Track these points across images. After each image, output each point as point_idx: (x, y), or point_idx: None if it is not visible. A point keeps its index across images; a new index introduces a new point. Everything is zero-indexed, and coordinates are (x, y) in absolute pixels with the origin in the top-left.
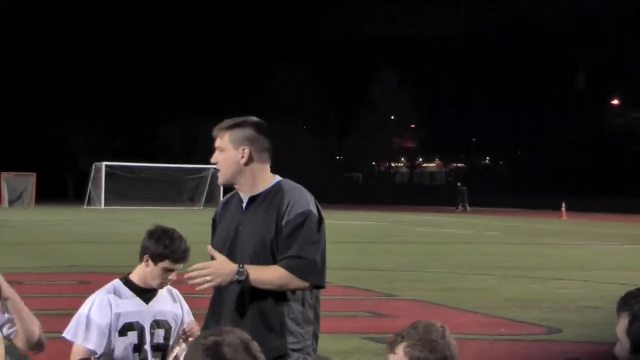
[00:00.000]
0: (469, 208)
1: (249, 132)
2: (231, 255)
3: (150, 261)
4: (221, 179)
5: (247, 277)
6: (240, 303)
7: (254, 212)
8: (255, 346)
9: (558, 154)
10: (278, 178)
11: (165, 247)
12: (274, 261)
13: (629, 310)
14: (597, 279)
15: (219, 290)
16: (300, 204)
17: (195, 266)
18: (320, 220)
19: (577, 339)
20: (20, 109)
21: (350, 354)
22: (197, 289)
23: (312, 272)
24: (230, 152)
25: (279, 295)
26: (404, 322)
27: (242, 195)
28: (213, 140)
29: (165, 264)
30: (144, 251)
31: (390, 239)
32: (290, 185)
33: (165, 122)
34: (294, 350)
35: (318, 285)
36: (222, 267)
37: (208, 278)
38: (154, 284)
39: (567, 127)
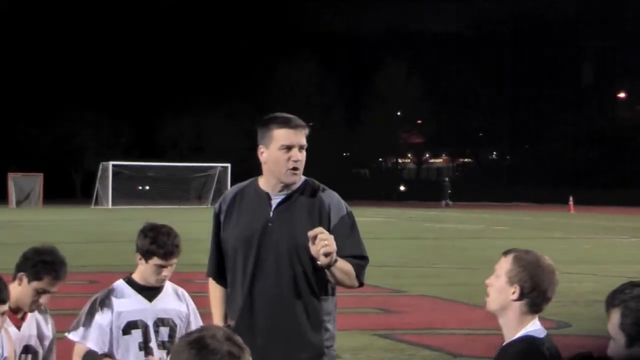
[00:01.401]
0: (450, 203)
1: None
2: (260, 251)
3: (142, 259)
4: (298, 179)
5: (337, 260)
6: (280, 297)
7: (287, 210)
8: (237, 339)
9: (565, 148)
10: (303, 176)
11: (152, 243)
12: (313, 261)
13: (618, 305)
14: (606, 273)
15: (250, 286)
16: (341, 206)
17: (319, 228)
18: None
19: (586, 332)
20: (26, 108)
21: (360, 350)
22: (321, 251)
23: (364, 272)
24: (305, 152)
25: (318, 290)
26: (412, 318)
27: (267, 190)
28: (292, 133)
29: (155, 260)
30: (136, 249)
31: (397, 234)
32: (318, 183)
33: (172, 120)
34: (327, 347)
35: (362, 284)
36: (332, 237)
37: (327, 242)
38: (151, 280)
39: (574, 120)
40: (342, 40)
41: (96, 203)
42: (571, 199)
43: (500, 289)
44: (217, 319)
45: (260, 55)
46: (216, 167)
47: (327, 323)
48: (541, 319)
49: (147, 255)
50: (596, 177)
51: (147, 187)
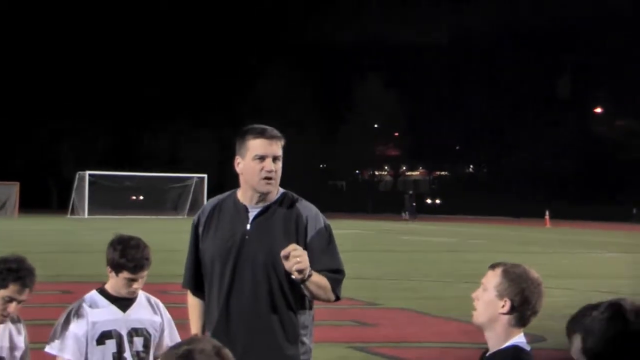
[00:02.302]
0: (406, 215)
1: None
2: (237, 264)
3: (112, 271)
4: (272, 189)
5: (312, 275)
6: (256, 311)
7: (264, 223)
8: (227, 352)
9: (541, 162)
10: (280, 187)
11: (121, 257)
12: (289, 275)
13: (579, 330)
14: (582, 287)
15: (226, 299)
16: (319, 218)
17: (293, 245)
18: None
19: (560, 347)
20: (3, 117)
21: None
22: (294, 268)
23: (340, 285)
24: (280, 163)
25: (295, 306)
26: (388, 331)
27: (245, 202)
28: (267, 144)
29: (125, 274)
30: (107, 262)
31: (374, 247)
32: (296, 196)
33: (149, 130)
34: None
35: (338, 298)
36: (305, 253)
37: (299, 259)
38: (123, 292)
39: (551, 134)
40: (320, 52)
41: (72, 213)
42: (547, 213)
43: (488, 302)
44: (195, 331)
45: (237, 67)
46: (193, 177)
47: (304, 337)
48: None
49: (116, 268)
50: (572, 192)
51: (142, 197)
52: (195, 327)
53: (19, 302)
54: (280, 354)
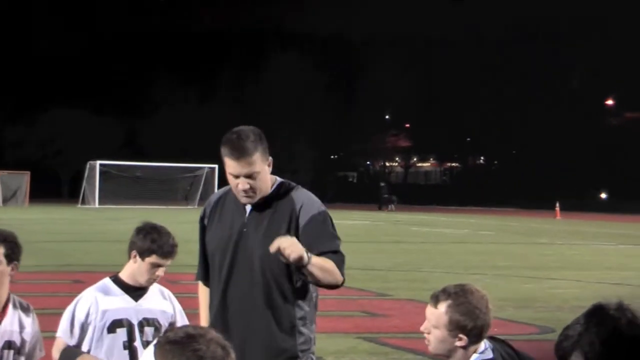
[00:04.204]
0: (393, 207)
1: (265, 141)
2: (236, 257)
3: (137, 257)
4: (252, 200)
5: (311, 258)
6: (251, 304)
7: (261, 215)
8: (222, 338)
9: (552, 154)
10: (278, 178)
11: (153, 242)
12: (287, 266)
13: (572, 350)
14: (591, 279)
15: (224, 290)
16: (312, 204)
17: (278, 240)
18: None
19: None
20: (14, 106)
21: (344, 353)
22: (290, 259)
23: (344, 267)
24: (264, 170)
25: (290, 296)
26: (397, 322)
27: None
28: (237, 165)
29: (153, 258)
30: (132, 246)
31: (384, 238)
32: (293, 185)
33: (160, 120)
34: (303, 351)
35: (344, 281)
36: (295, 241)
37: (290, 249)
38: (142, 280)
39: (562, 126)
40: (332, 42)
41: (83, 202)
42: (557, 204)
43: (442, 340)
44: (203, 322)
45: (248, 57)
46: (203, 168)
47: (302, 327)
48: (525, 325)
49: (145, 253)
50: (583, 184)
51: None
52: (204, 318)
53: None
54: (276, 344)
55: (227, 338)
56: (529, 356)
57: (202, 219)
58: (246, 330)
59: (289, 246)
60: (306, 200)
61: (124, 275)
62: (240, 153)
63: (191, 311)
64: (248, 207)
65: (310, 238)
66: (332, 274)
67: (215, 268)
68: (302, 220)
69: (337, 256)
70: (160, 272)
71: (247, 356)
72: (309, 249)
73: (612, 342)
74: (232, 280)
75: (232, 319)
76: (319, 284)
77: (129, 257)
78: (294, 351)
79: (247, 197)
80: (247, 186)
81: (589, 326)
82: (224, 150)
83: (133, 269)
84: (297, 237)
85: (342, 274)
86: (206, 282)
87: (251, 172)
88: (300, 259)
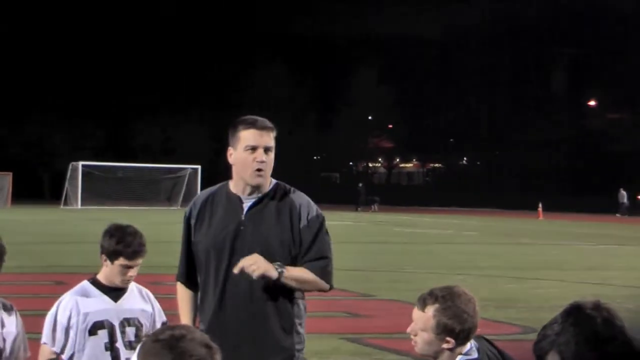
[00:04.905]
0: (375, 207)
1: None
2: (232, 255)
3: (107, 260)
4: (263, 181)
5: (283, 272)
6: (251, 303)
7: (258, 214)
8: (206, 338)
9: (535, 154)
10: (272, 179)
11: (117, 244)
12: (291, 261)
13: (551, 348)
14: (573, 279)
15: (222, 289)
16: (311, 207)
17: (241, 262)
18: None
19: None
20: None
21: (327, 354)
22: (255, 275)
23: (331, 274)
24: (272, 154)
25: (290, 296)
26: (381, 322)
27: (238, 194)
28: (258, 135)
29: (120, 260)
30: (101, 250)
31: (367, 238)
32: (289, 187)
33: (142, 122)
34: (298, 351)
35: (331, 287)
36: (260, 259)
37: (255, 266)
38: (117, 281)
39: (544, 127)
40: (314, 45)
41: (65, 203)
42: (540, 205)
43: (429, 342)
44: (185, 323)
45: (231, 59)
46: (186, 169)
47: (299, 327)
48: (507, 325)
49: (113, 255)
50: (565, 184)
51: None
52: (185, 320)
53: None
54: (275, 343)
55: (225, 337)
56: (511, 356)
57: (188, 218)
58: (245, 329)
59: (253, 264)
60: (305, 203)
61: (101, 277)
62: (264, 124)
63: (173, 312)
64: (245, 206)
65: (305, 241)
66: (312, 284)
67: (210, 268)
68: (302, 222)
69: (321, 262)
70: (132, 272)
71: (245, 355)
72: (302, 251)
73: (587, 341)
74: (230, 279)
75: (230, 318)
76: (300, 291)
77: (101, 259)
78: (291, 350)
79: (259, 175)
80: (264, 158)
81: (565, 326)
82: (243, 125)
83: (106, 272)
84: (294, 238)
85: (330, 281)
86: (189, 285)
87: (270, 146)
88: (267, 275)
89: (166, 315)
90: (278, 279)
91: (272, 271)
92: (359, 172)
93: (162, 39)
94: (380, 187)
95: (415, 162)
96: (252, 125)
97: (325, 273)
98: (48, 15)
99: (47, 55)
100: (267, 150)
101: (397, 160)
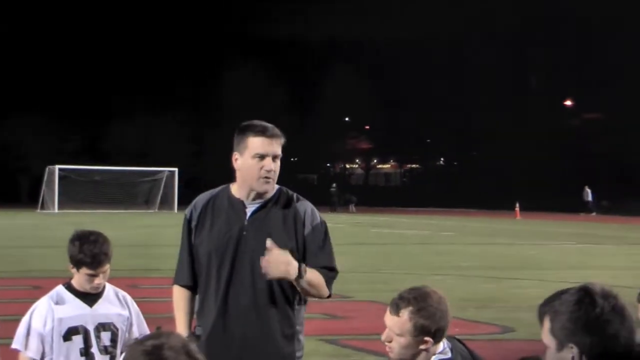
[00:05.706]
0: (353, 209)
1: None
2: (235, 260)
3: (74, 267)
4: (270, 188)
5: (303, 275)
6: (254, 308)
7: (262, 219)
8: (194, 348)
9: (512, 154)
10: (276, 184)
11: (79, 252)
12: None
13: (548, 312)
14: (552, 278)
15: (225, 293)
16: (315, 215)
17: (262, 261)
18: None
19: (530, 337)
20: None
21: (306, 356)
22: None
23: (332, 283)
24: (279, 161)
25: (293, 301)
26: (359, 324)
27: (241, 198)
28: (267, 143)
29: (84, 270)
30: (68, 258)
31: (345, 240)
32: (292, 193)
33: (118, 125)
34: (298, 358)
35: (330, 295)
36: (279, 258)
37: (269, 268)
38: (87, 288)
39: (521, 127)
40: (290, 45)
41: (42, 207)
42: (517, 205)
43: (407, 346)
44: (181, 327)
45: (206, 61)
46: (163, 171)
47: (300, 334)
48: (486, 325)
49: (76, 264)
50: (543, 184)
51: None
52: (181, 324)
53: None
54: (277, 350)
55: (226, 343)
56: (481, 356)
57: (188, 221)
58: (247, 334)
59: (271, 264)
60: (309, 210)
61: (74, 282)
62: (273, 132)
63: (151, 316)
64: (249, 210)
65: (311, 248)
66: (319, 288)
67: (212, 272)
68: (308, 228)
69: (330, 273)
70: (98, 280)
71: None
72: (308, 258)
73: (580, 320)
74: (233, 282)
75: (233, 322)
76: (305, 295)
77: (69, 267)
78: (292, 358)
79: (267, 182)
80: (273, 167)
81: (571, 299)
82: (252, 132)
83: (76, 278)
84: (297, 245)
85: (331, 289)
86: (186, 286)
87: (278, 153)
88: (288, 272)
89: (145, 318)
90: (297, 279)
91: (290, 273)
92: (337, 173)
93: (137, 42)
94: (357, 188)
95: (393, 163)
96: (262, 133)
97: (330, 281)
98: (23, 19)
99: (23, 59)
100: (275, 158)
101: (375, 161)
